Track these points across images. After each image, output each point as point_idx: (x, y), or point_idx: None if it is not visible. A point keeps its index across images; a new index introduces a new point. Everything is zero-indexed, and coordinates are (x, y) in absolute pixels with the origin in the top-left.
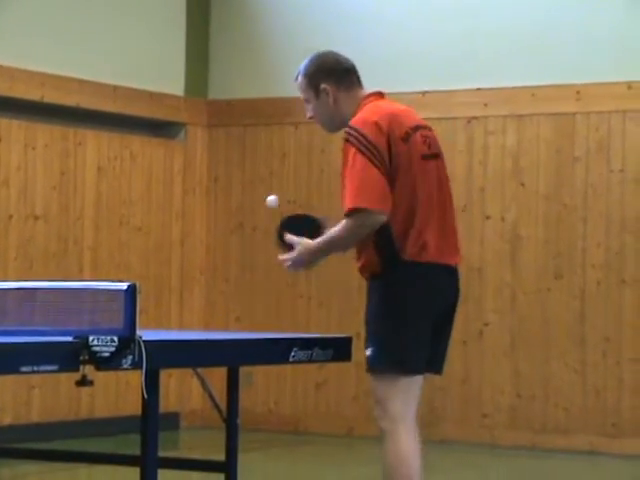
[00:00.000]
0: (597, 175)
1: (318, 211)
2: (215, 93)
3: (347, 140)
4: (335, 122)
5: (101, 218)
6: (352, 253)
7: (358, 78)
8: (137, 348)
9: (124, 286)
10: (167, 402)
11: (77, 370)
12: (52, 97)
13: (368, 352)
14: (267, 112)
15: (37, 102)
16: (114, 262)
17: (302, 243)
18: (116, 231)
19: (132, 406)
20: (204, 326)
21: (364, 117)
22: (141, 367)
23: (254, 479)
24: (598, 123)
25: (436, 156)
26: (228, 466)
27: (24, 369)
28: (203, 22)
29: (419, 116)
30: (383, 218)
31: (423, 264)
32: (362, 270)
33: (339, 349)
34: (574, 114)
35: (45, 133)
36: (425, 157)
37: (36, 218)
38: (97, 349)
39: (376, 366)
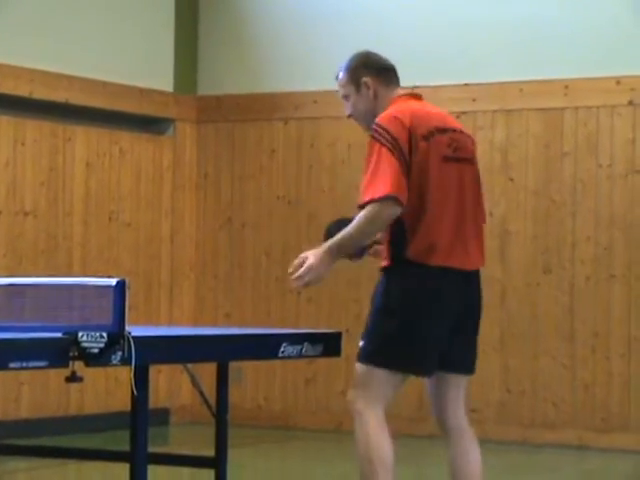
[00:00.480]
0: (586, 170)
1: (306, 206)
2: (204, 89)
3: (372, 136)
4: (375, 117)
5: (90, 214)
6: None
7: (397, 78)
8: (126, 344)
9: (113, 282)
10: (156, 398)
11: (66, 366)
12: (41, 93)
13: (360, 343)
14: (256, 108)
15: (26, 98)
16: (103, 258)
17: (309, 254)
18: (105, 227)
19: (121, 402)
20: (193, 322)
21: (388, 113)
22: (130, 363)
23: (244, 475)
24: (586, 118)
25: (461, 160)
26: (218, 462)
27: (13, 365)
28: (192, 18)
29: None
30: (398, 210)
31: (428, 267)
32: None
33: (328, 345)
34: (562, 109)
35: (34, 129)
36: (447, 159)
37: (25, 214)
38: (86, 345)
39: (362, 359)
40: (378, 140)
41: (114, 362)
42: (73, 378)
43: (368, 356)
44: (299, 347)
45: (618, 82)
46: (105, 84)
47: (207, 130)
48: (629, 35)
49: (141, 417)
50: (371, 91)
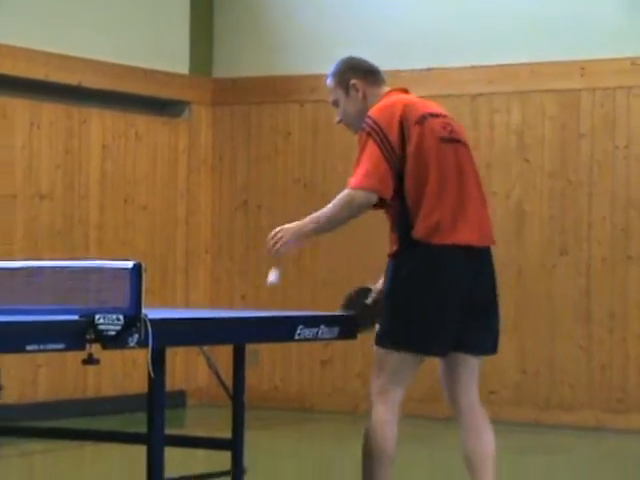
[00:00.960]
0: (602, 151)
1: (321, 189)
2: (220, 72)
3: (363, 128)
4: (363, 119)
5: (106, 197)
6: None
7: (383, 78)
8: (143, 326)
9: (130, 265)
10: (173, 380)
11: (83, 349)
12: (56, 76)
13: (377, 327)
14: (272, 90)
15: (41, 81)
16: (119, 240)
17: (285, 228)
18: (121, 210)
19: (138, 384)
20: (210, 304)
21: (379, 105)
22: (147, 345)
23: (260, 456)
24: (603, 99)
25: (457, 141)
26: (234, 443)
27: (30, 348)
28: (207, 1)
29: (443, 109)
30: (372, 199)
31: (434, 246)
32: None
33: (344, 327)
34: (579, 90)
35: (49, 112)
36: (444, 140)
37: (41, 197)
38: (103, 328)
39: (378, 342)
40: (366, 131)
41: (131, 344)
42: (90, 360)
43: (384, 339)
44: (315, 329)
45: (633, 63)
46: (119, 67)
47: (223, 112)
48: None
49: (158, 399)
50: (360, 93)
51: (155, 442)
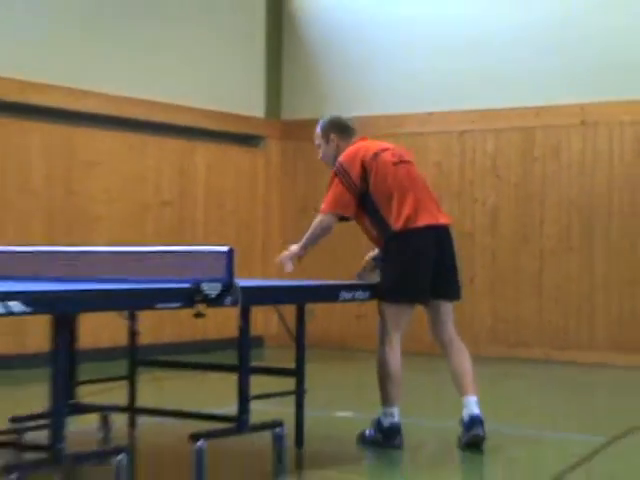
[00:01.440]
0: (551, 171)
1: None
2: (285, 115)
3: (334, 169)
4: (336, 160)
5: (208, 203)
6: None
7: (355, 131)
8: (235, 291)
9: (225, 249)
10: (255, 328)
11: (193, 307)
12: (175, 120)
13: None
14: None
15: (165, 124)
16: (217, 234)
17: (291, 247)
18: (218, 212)
19: (232, 331)
20: (278, 277)
21: (346, 152)
22: (238, 304)
23: (315, 381)
24: (551, 134)
25: (405, 162)
26: (297, 372)
27: (158, 305)
28: (277, 64)
29: (392, 144)
30: (335, 220)
31: (408, 230)
32: (375, 243)
33: (373, 292)
34: (534, 128)
35: (170, 145)
36: (395, 163)
37: (164, 204)
38: (207, 292)
39: (380, 299)
40: (334, 172)
41: (226, 304)
42: (199, 315)
43: (384, 296)
44: (352, 293)
45: (574, 108)
46: (218, 113)
47: (287, 144)
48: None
49: (245, 342)
50: (335, 143)
51: (243, 371)
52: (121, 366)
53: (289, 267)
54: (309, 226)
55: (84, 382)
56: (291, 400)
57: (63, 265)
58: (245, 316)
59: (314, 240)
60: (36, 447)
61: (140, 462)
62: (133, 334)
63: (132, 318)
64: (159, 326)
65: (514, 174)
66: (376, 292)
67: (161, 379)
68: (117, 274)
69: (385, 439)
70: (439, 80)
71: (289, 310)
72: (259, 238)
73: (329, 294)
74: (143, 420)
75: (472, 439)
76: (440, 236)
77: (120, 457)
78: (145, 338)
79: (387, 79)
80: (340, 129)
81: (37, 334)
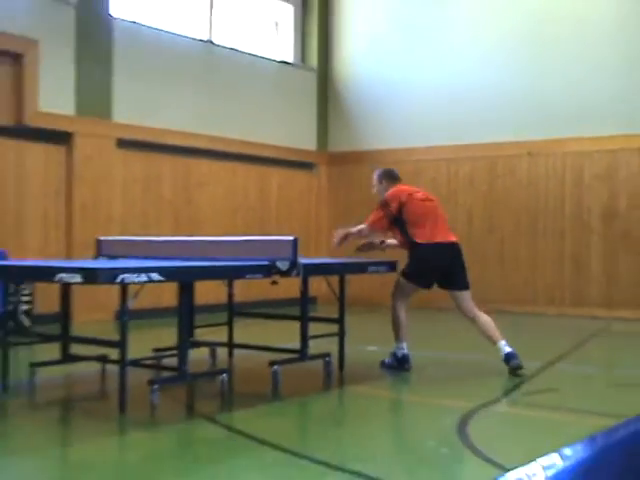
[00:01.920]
0: (509, 185)
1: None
2: (332, 147)
3: (381, 199)
4: (383, 195)
5: (279, 212)
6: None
7: (399, 178)
8: (298, 266)
9: (292, 238)
10: (311, 291)
11: (270, 277)
12: (254, 152)
13: (401, 270)
14: (360, 159)
15: (250, 155)
16: (285, 229)
17: (342, 229)
18: (287, 220)
19: (296, 293)
20: (327, 256)
21: (390, 192)
22: (300, 275)
23: (351, 327)
24: (508, 161)
25: (430, 200)
26: (339, 320)
27: (247, 276)
28: (324, 113)
29: (420, 187)
30: (375, 232)
31: (427, 244)
32: (403, 247)
33: (391, 267)
34: (498, 156)
35: (253, 172)
36: (422, 200)
37: (249, 209)
38: (280, 267)
39: (401, 275)
40: (381, 202)
41: (293, 275)
42: (274, 282)
43: (404, 275)
44: (377, 267)
45: (523, 144)
46: (295, 149)
47: (333, 169)
48: (531, 107)
49: (304, 300)
50: (384, 185)
51: (304, 319)
52: (222, 316)
53: (337, 238)
54: (346, 225)
55: (199, 326)
56: (335, 339)
57: (185, 249)
58: (305, 283)
59: (355, 235)
60: (169, 368)
61: (236, 379)
62: (230, 295)
63: (230, 285)
64: (247, 290)
65: (483, 186)
66: (396, 270)
67: (249, 325)
68: (220, 255)
69: (399, 364)
70: (437, 124)
71: (334, 279)
72: (313, 232)
73: (361, 268)
74: (238, 352)
75: (515, 366)
76: (451, 250)
77: (223, 376)
78: (238, 298)
79: (403, 123)
80: (388, 177)
81: (169, 295)
